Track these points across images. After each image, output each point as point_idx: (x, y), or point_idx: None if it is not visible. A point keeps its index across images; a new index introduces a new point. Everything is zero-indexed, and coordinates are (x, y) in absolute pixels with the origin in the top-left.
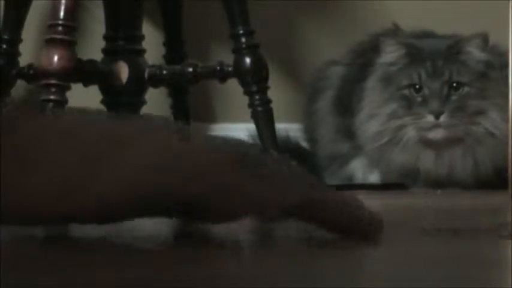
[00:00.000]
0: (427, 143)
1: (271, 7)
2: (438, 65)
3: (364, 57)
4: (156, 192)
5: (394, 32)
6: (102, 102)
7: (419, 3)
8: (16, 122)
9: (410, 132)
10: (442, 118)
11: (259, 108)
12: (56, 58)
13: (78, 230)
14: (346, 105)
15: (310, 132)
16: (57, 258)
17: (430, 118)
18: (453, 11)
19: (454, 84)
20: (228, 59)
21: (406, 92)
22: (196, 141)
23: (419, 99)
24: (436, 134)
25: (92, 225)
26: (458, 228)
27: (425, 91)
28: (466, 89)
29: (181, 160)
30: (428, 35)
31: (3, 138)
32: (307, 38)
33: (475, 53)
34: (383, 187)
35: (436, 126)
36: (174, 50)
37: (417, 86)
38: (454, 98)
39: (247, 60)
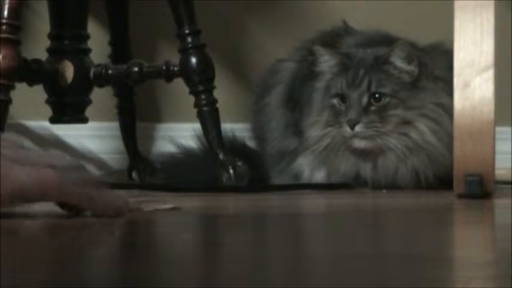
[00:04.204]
0: (361, 152)
1: (217, 7)
2: (359, 74)
3: (313, 55)
4: None
5: (345, 30)
6: (47, 102)
7: (367, 3)
8: None
9: (337, 141)
10: (357, 128)
11: (205, 108)
12: (0, 57)
13: None
14: (296, 101)
15: (259, 129)
16: None
17: (347, 128)
18: (404, 8)
19: (377, 95)
20: (175, 58)
21: (334, 101)
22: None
23: (343, 108)
24: (359, 143)
25: None
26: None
27: (347, 101)
28: (387, 99)
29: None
30: (377, 35)
31: None
32: (254, 38)
33: (399, 63)
34: (328, 187)
35: (353, 136)
36: (120, 49)
37: (343, 96)
38: (373, 108)
39: (194, 60)
